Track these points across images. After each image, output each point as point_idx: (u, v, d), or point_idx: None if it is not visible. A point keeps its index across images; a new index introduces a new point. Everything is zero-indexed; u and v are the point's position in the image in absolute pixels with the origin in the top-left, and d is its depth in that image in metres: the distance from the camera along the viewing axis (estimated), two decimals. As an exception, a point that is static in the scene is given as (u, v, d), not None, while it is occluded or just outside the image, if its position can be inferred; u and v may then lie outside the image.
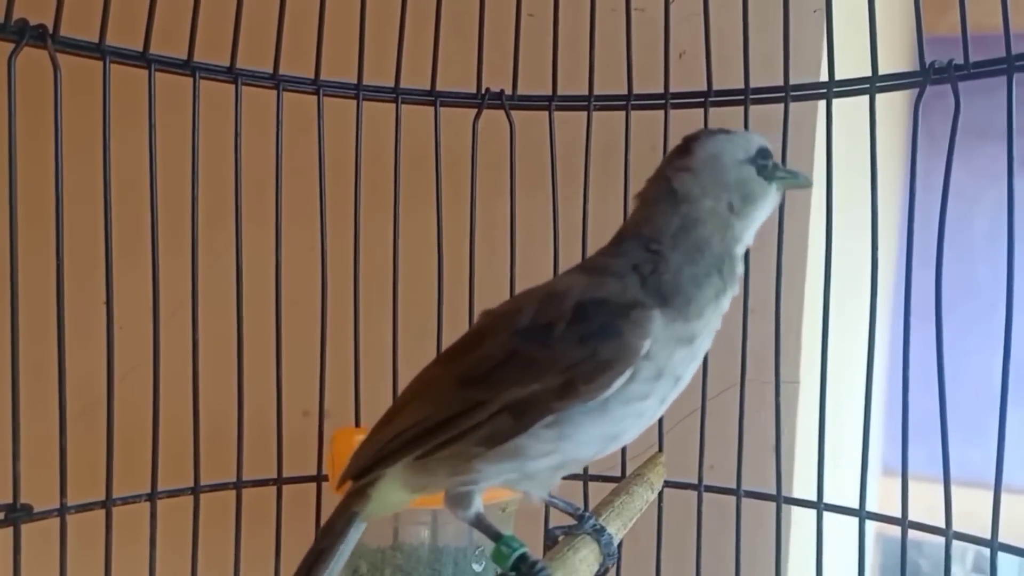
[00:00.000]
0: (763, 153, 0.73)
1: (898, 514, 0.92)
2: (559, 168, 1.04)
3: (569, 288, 0.70)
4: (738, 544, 1.00)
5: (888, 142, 1.66)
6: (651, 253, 0.70)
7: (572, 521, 0.78)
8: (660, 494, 0.98)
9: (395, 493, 0.74)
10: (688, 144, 0.74)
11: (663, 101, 1.03)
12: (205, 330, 0.96)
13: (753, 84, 0.99)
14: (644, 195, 0.74)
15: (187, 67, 0.94)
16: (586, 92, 1.04)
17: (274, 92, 0.99)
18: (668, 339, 0.67)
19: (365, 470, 0.73)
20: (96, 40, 0.88)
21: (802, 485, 1.14)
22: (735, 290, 0.72)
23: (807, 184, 0.77)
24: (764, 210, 0.74)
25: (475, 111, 1.05)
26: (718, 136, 0.74)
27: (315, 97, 1.01)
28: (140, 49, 0.91)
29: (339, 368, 1.03)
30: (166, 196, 0.94)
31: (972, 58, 0.87)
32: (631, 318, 0.66)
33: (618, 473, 1.00)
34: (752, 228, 0.73)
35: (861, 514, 0.95)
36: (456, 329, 0.84)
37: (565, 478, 0.80)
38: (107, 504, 0.92)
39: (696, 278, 0.69)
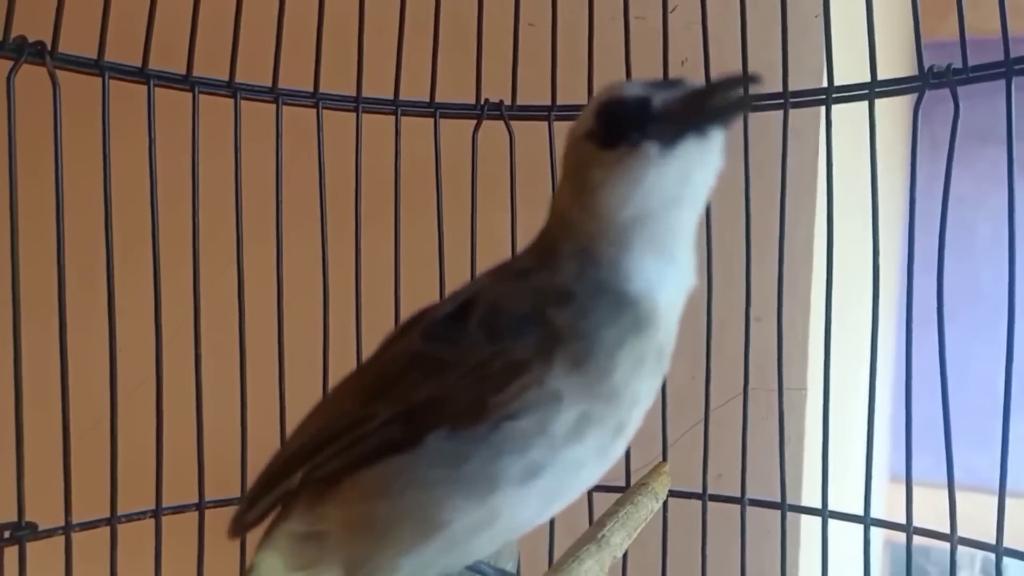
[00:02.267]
0: (607, 112, 0.56)
1: (905, 520, 0.92)
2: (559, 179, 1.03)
3: (489, 285, 0.60)
4: (743, 553, 0.99)
5: (890, 148, 1.66)
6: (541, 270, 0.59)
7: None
8: (665, 504, 0.98)
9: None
10: None
11: (662, 109, 1.02)
12: (209, 346, 0.96)
13: (755, 90, 0.98)
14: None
15: (186, 82, 0.94)
16: (585, 101, 1.04)
17: (273, 106, 0.99)
18: (576, 387, 0.55)
19: (255, 498, 0.64)
20: (95, 56, 0.88)
21: (811, 493, 1.14)
22: (664, 322, 0.58)
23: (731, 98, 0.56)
24: (628, 194, 0.55)
25: (474, 122, 1.05)
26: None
27: (314, 110, 1.01)
28: (139, 64, 0.91)
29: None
30: (167, 211, 0.93)
31: (971, 62, 0.87)
32: (544, 316, 0.55)
33: (622, 483, 1.00)
34: (638, 226, 0.56)
35: (866, 521, 0.95)
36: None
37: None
38: (112, 521, 0.92)
39: (576, 326, 0.55)
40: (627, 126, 0.55)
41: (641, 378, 0.57)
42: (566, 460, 0.56)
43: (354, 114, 1.03)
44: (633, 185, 0.55)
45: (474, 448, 0.55)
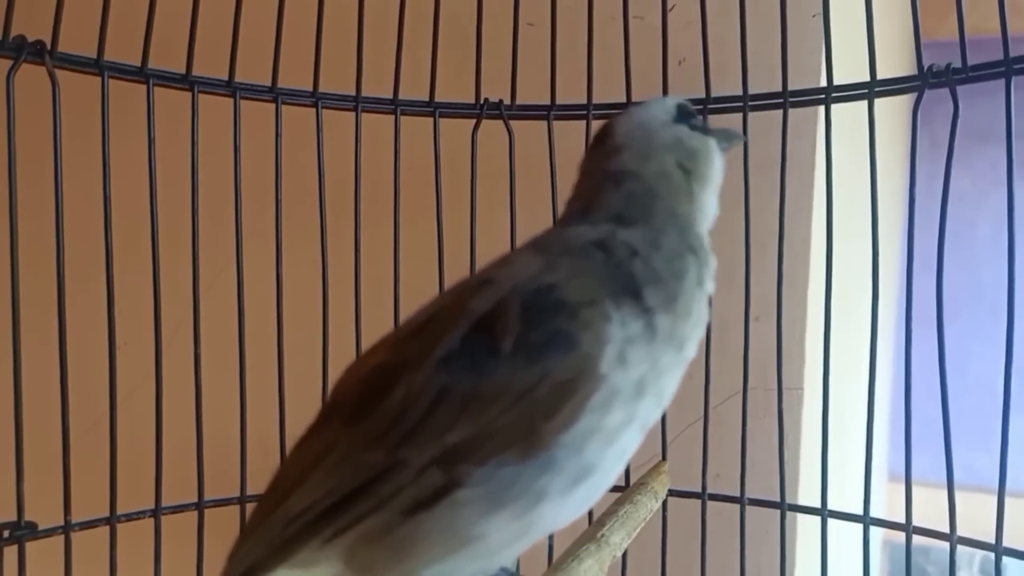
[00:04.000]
0: (684, 110, 0.67)
1: (904, 520, 0.92)
2: (559, 178, 1.03)
3: (512, 279, 0.56)
4: (743, 552, 0.99)
5: (890, 147, 1.66)
6: (618, 227, 0.60)
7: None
8: (664, 503, 0.98)
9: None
10: (604, 129, 0.67)
11: (662, 109, 1.02)
12: (209, 345, 0.96)
13: (754, 90, 0.98)
14: (579, 190, 0.66)
15: (185, 81, 0.94)
16: (585, 101, 1.04)
17: (273, 105, 0.99)
18: (648, 340, 0.55)
19: (255, 569, 0.59)
20: (94, 56, 0.88)
21: (809, 492, 1.14)
22: (712, 277, 0.62)
23: (739, 138, 0.72)
24: (716, 165, 0.67)
25: (474, 121, 1.05)
26: (631, 109, 0.68)
27: (314, 110, 1.01)
28: (138, 64, 0.91)
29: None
30: (166, 211, 0.93)
31: (971, 61, 0.87)
32: (580, 318, 0.53)
33: (622, 483, 1.00)
34: (711, 193, 0.66)
35: (865, 520, 0.94)
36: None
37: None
38: (111, 521, 0.92)
39: (672, 263, 0.58)
40: (699, 122, 0.67)
41: (696, 340, 0.60)
42: (616, 449, 0.56)
43: (353, 113, 1.03)
44: (717, 161, 0.67)
45: (523, 469, 0.53)
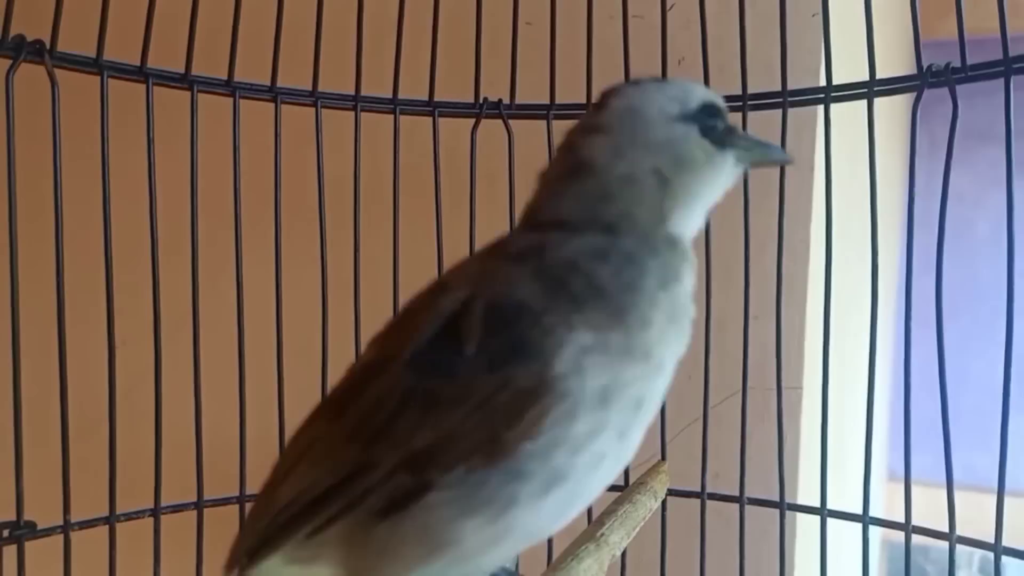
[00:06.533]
0: (708, 110, 0.61)
1: (903, 519, 0.92)
2: (558, 177, 1.03)
3: (474, 282, 0.56)
4: (742, 552, 0.99)
5: (889, 147, 1.66)
6: (564, 234, 0.57)
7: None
8: (664, 502, 0.98)
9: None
10: (603, 98, 0.62)
11: (661, 108, 1.02)
12: (208, 344, 0.96)
13: (754, 89, 0.98)
14: (545, 173, 0.63)
15: (184, 81, 0.94)
16: (584, 100, 1.04)
17: (272, 105, 0.99)
18: (603, 352, 0.53)
19: (253, 555, 0.59)
20: (94, 55, 0.88)
21: (808, 492, 1.14)
22: (689, 281, 0.59)
23: (782, 159, 0.66)
24: (711, 183, 0.61)
25: (473, 121, 1.05)
26: (642, 85, 0.62)
27: (313, 109, 1.01)
28: (137, 63, 0.91)
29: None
30: (166, 210, 0.93)
31: (970, 61, 0.87)
32: (542, 326, 0.52)
33: (621, 482, 1.00)
34: (695, 203, 0.61)
35: (864, 520, 0.94)
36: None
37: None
38: (111, 520, 0.92)
39: (620, 275, 0.55)
40: (718, 130, 0.61)
41: (678, 342, 0.58)
42: (588, 457, 0.54)
43: (353, 113, 1.03)
44: (717, 178, 0.62)
45: (491, 474, 0.52)
